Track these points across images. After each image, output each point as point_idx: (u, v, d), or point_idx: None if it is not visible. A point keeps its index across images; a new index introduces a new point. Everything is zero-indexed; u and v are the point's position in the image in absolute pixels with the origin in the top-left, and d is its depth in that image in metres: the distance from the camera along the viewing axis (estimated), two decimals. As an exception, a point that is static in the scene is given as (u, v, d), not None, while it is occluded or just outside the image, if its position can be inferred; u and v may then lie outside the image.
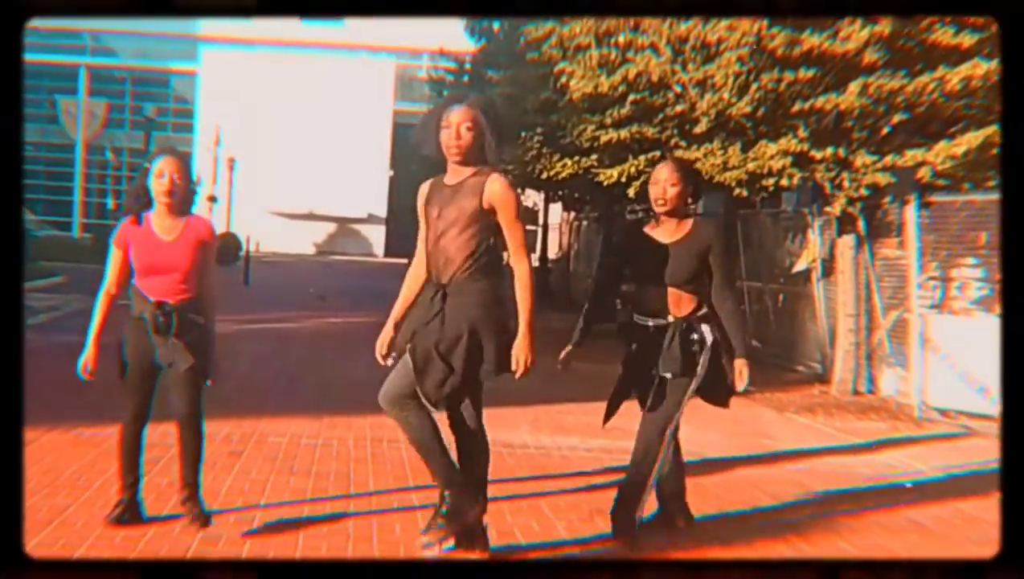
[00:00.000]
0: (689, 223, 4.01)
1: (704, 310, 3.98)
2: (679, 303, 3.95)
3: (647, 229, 4.08)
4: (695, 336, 3.92)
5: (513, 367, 3.46)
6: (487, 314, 3.44)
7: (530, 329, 3.44)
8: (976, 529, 4.62)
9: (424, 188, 3.69)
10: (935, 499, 5.35)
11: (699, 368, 3.91)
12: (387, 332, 3.71)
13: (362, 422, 6.31)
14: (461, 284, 3.47)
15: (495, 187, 3.44)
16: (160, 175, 3.81)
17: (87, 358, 3.89)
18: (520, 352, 3.43)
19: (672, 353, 3.89)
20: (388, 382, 3.56)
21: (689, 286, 3.95)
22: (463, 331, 3.42)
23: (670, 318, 3.94)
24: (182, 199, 3.88)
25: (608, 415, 4.12)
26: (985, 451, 6.86)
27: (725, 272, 4.02)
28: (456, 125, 3.47)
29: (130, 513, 3.92)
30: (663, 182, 3.98)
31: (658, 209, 3.99)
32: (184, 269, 3.84)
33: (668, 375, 3.90)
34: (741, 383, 3.93)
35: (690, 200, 4.03)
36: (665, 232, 4.02)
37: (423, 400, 3.46)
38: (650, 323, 4.00)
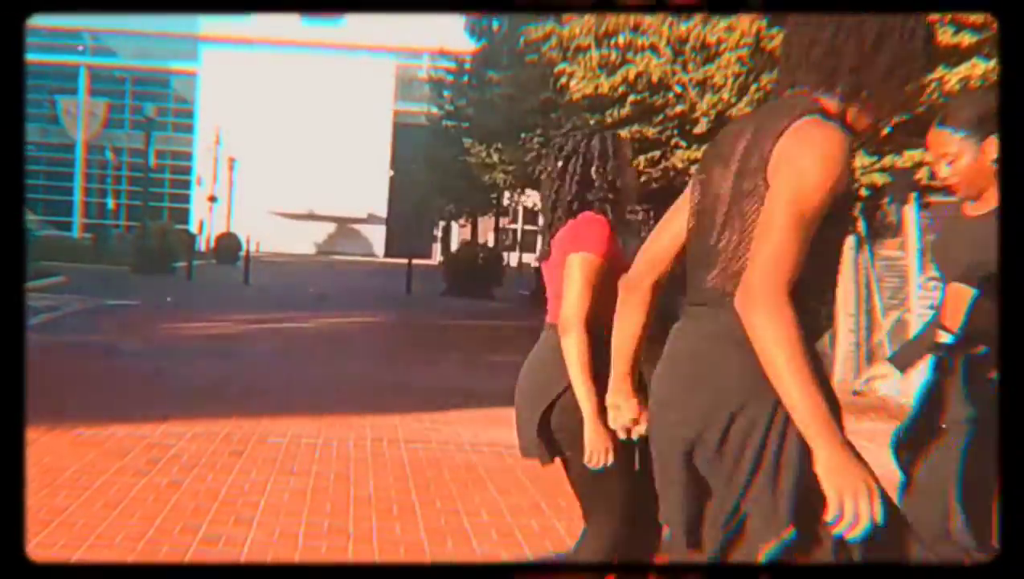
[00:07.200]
0: (995, 192, 2.58)
1: None
2: (975, 310, 2.62)
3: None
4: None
5: None
6: None
7: None
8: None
9: None
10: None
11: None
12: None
13: (362, 422, 6.31)
14: None
15: None
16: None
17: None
18: None
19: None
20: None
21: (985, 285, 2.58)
22: None
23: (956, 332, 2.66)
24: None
25: None
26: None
27: None
28: None
29: None
30: (937, 159, 2.65)
31: (957, 194, 2.68)
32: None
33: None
34: None
35: (994, 152, 2.54)
36: (976, 205, 2.68)
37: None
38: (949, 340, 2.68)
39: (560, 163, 2.76)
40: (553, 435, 2.61)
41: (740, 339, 1.64)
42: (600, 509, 2.66)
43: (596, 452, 2.54)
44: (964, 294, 2.65)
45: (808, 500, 1.61)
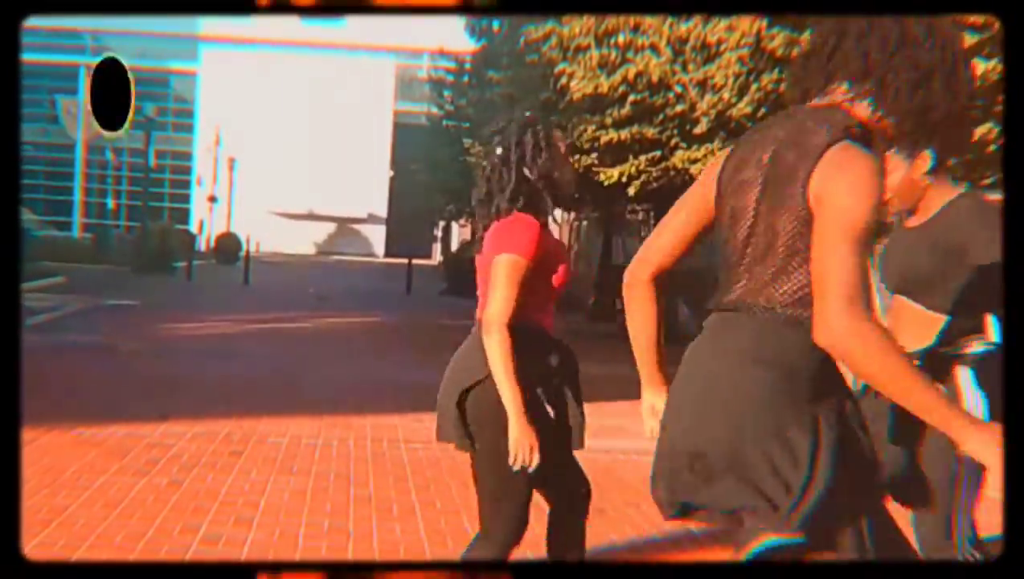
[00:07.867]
0: (940, 200, 2.65)
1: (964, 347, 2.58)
2: (919, 326, 2.62)
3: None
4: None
5: None
6: None
7: None
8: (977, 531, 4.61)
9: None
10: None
11: None
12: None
13: (362, 422, 6.31)
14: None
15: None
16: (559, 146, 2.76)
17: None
18: None
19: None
20: None
21: (928, 300, 2.62)
22: None
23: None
24: None
25: None
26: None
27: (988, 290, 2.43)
28: None
29: None
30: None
31: (891, 210, 2.76)
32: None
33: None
34: None
35: (925, 165, 2.61)
36: (918, 214, 2.72)
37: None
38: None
39: (495, 158, 2.72)
40: (467, 426, 2.62)
41: (762, 359, 1.67)
42: (496, 512, 2.76)
43: (521, 451, 2.55)
44: (903, 304, 2.71)
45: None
